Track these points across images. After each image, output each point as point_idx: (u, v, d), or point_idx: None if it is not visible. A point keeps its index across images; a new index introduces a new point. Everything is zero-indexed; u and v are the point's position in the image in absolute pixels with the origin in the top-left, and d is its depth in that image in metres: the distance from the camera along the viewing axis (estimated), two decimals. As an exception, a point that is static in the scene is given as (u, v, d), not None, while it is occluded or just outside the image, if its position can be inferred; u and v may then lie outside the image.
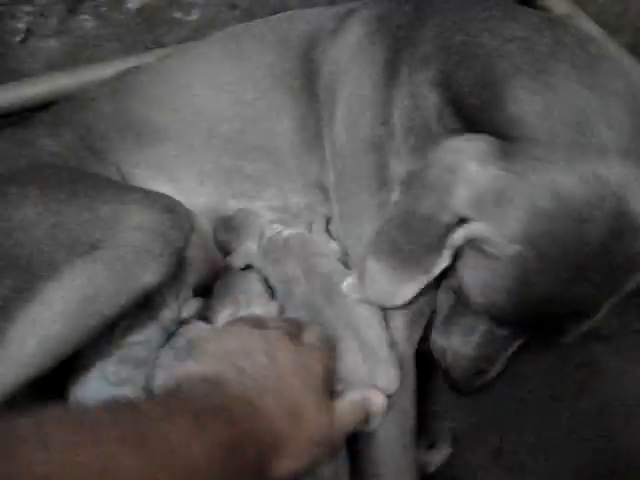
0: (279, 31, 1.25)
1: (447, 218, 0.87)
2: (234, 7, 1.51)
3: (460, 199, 0.85)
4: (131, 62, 1.38)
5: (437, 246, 0.90)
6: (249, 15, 1.52)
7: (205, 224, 1.22)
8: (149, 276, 0.97)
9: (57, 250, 0.95)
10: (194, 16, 1.49)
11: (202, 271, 1.17)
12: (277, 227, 1.18)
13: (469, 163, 0.85)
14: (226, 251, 1.22)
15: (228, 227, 1.20)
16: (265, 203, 1.22)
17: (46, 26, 1.40)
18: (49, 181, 1.03)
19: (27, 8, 1.36)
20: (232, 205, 1.22)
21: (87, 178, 1.08)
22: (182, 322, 1.09)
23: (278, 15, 1.31)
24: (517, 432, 1.17)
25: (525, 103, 0.87)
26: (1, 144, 1.15)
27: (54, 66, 1.43)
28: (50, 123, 1.20)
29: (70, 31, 1.42)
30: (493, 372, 1.03)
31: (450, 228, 0.88)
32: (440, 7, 1.09)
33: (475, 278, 0.91)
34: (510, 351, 1.01)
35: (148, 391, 1.01)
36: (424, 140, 1.04)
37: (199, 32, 1.49)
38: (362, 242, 1.04)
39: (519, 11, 1.03)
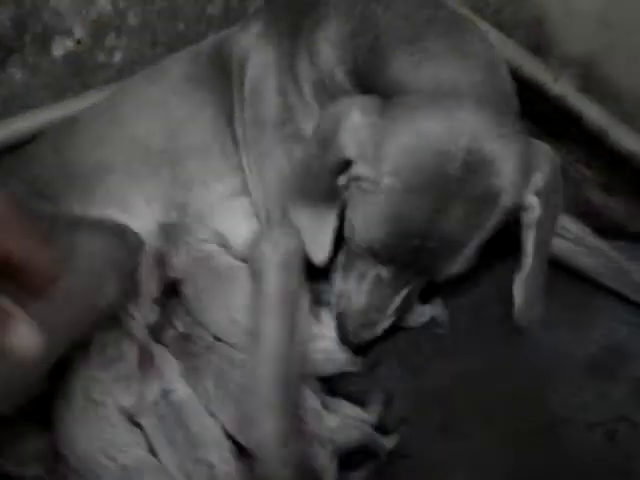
0: (192, 49, 1.38)
1: (335, 161, 1.04)
2: (155, 45, 1.60)
3: (344, 144, 1.02)
4: (60, 109, 1.48)
5: (332, 191, 1.08)
6: (170, 51, 1.59)
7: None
8: (105, 300, 1.08)
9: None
10: (117, 57, 1.58)
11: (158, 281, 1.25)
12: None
13: (353, 114, 1.01)
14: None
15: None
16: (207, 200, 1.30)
17: (-23, 81, 1.47)
18: None
19: (-43, 68, 1.44)
20: (173, 217, 1.30)
21: (40, 218, 1.15)
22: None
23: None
24: (459, 406, 1.26)
25: (402, 66, 1.06)
26: None
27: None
28: None
29: (1, 84, 1.49)
30: (380, 327, 1.16)
31: (338, 171, 1.05)
32: None
33: (358, 215, 1.05)
34: (397, 301, 1.13)
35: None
36: (318, 94, 1.21)
37: (124, 72, 1.58)
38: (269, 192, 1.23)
39: None
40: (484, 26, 1.60)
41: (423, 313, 1.30)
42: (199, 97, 1.30)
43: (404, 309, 1.18)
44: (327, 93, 1.19)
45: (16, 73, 1.49)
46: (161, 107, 1.30)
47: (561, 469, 1.19)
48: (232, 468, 1.07)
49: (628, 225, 1.50)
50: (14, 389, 0.97)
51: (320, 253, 1.16)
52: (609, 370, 1.29)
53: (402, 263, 1.06)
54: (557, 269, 1.39)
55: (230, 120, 1.28)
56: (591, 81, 1.50)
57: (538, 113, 1.57)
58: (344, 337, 1.16)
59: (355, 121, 1.02)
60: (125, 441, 1.08)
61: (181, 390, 1.15)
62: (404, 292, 1.12)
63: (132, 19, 1.54)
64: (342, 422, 1.12)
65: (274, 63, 1.25)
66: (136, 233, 1.16)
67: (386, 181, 0.98)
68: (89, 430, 1.08)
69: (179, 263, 1.25)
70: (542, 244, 1.14)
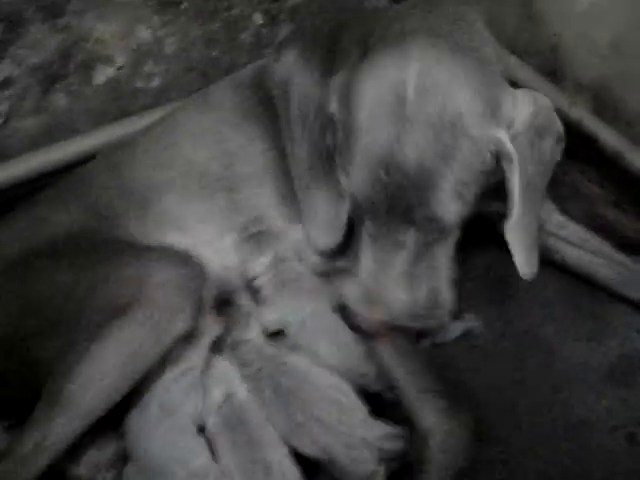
0: (235, 79, 1.45)
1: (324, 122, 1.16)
2: (190, 70, 1.68)
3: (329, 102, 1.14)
4: (101, 135, 1.57)
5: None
6: (204, 77, 1.69)
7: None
8: (178, 327, 1.17)
9: (95, 313, 1.13)
10: (155, 83, 1.66)
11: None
12: None
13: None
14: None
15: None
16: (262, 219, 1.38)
17: (24, 107, 1.55)
18: (74, 252, 1.21)
19: (6, 92, 1.51)
20: (228, 240, 1.37)
21: (105, 245, 1.25)
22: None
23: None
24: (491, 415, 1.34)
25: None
26: (18, 224, 1.32)
27: (34, 144, 1.58)
28: (57, 200, 1.35)
29: (46, 110, 1.57)
30: (388, 304, 1.13)
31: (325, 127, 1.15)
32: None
33: (347, 165, 1.10)
34: (395, 267, 1.11)
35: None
36: None
37: (161, 97, 1.66)
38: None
39: None
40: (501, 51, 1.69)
41: (455, 329, 1.38)
42: (249, 130, 1.37)
43: (417, 287, 1.14)
44: None
45: (60, 100, 1.57)
46: (215, 137, 1.38)
47: (586, 470, 1.27)
48: (288, 470, 1.15)
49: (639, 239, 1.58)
50: None
51: (332, 236, 1.23)
52: (627, 377, 1.38)
53: (381, 207, 1.06)
54: (576, 280, 1.50)
55: (282, 152, 1.35)
56: (603, 105, 1.58)
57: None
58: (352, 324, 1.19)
59: (335, 82, 1.14)
60: (194, 449, 1.16)
61: (242, 394, 1.23)
62: (402, 255, 1.10)
63: (169, 47, 1.63)
64: (389, 430, 1.20)
65: (313, 102, 1.30)
66: (199, 262, 1.25)
67: (351, 117, 1.06)
68: (162, 438, 1.16)
69: (265, 281, 1.36)
70: (530, 190, 1.13)
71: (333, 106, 1.14)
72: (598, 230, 1.52)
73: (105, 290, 1.15)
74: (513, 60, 1.67)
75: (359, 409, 1.21)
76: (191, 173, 1.37)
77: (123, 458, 1.19)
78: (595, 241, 1.48)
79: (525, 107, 1.09)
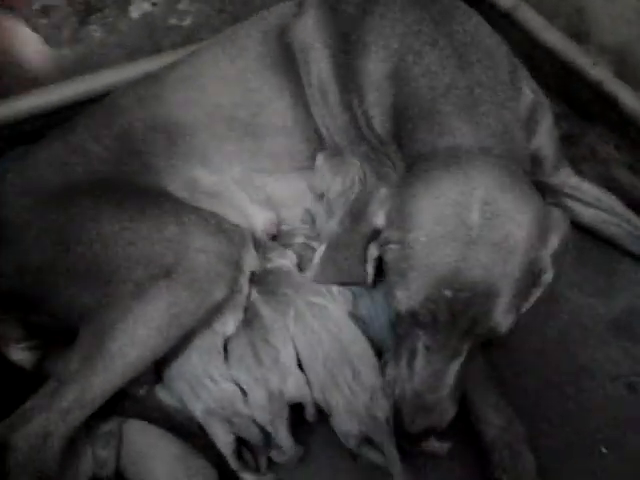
0: (259, 27, 1.47)
1: (366, 231, 1.18)
2: (222, 12, 1.71)
3: (373, 214, 1.17)
4: (133, 68, 1.60)
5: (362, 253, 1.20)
6: (234, 18, 1.71)
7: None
8: (220, 292, 1.23)
9: (135, 268, 1.18)
10: (187, 22, 1.69)
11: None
12: None
13: (380, 190, 1.18)
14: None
15: None
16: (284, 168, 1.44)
17: (60, 36, 1.58)
18: (113, 197, 1.25)
19: (43, 21, 1.55)
20: (255, 179, 1.43)
21: (147, 195, 1.29)
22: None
23: (258, 14, 1.52)
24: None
25: (423, 137, 1.21)
26: (56, 151, 1.35)
27: (68, 73, 1.62)
28: (91, 128, 1.39)
29: (81, 41, 1.60)
30: (440, 413, 1.13)
31: (369, 240, 1.18)
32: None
33: (394, 279, 1.12)
34: (451, 376, 1.11)
35: None
36: None
37: (192, 36, 1.70)
38: None
39: None
40: (529, 13, 1.72)
41: None
42: (276, 82, 1.41)
43: (460, 388, 1.15)
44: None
45: (95, 31, 1.61)
46: (242, 85, 1.42)
47: (585, 415, 1.32)
48: (292, 367, 1.24)
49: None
50: None
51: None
52: (631, 330, 1.43)
53: (444, 322, 1.07)
54: (589, 236, 1.55)
55: (307, 112, 1.41)
56: (625, 68, 1.60)
57: (574, 96, 1.70)
58: (401, 428, 1.16)
59: (382, 195, 1.17)
60: (224, 370, 1.23)
61: (267, 318, 1.28)
62: (456, 364, 1.11)
63: (205, -14, 1.66)
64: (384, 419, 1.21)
65: (333, 70, 1.38)
66: (237, 226, 1.31)
67: (410, 236, 1.08)
68: (202, 356, 1.23)
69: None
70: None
71: (380, 220, 1.16)
72: (611, 192, 1.55)
73: (147, 249, 1.19)
74: (540, 21, 1.71)
75: (370, 387, 1.23)
76: (218, 116, 1.41)
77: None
78: (609, 200, 1.53)
79: (560, 227, 1.14)
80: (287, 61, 1.42)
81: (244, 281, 1.30)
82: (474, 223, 1.04)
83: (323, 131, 1.42)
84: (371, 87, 1.31)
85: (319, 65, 1.39)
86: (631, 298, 1.48)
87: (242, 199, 1.42)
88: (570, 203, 1.54)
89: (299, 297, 1.30)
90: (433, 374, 1.11)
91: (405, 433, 1.15)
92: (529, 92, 1.35)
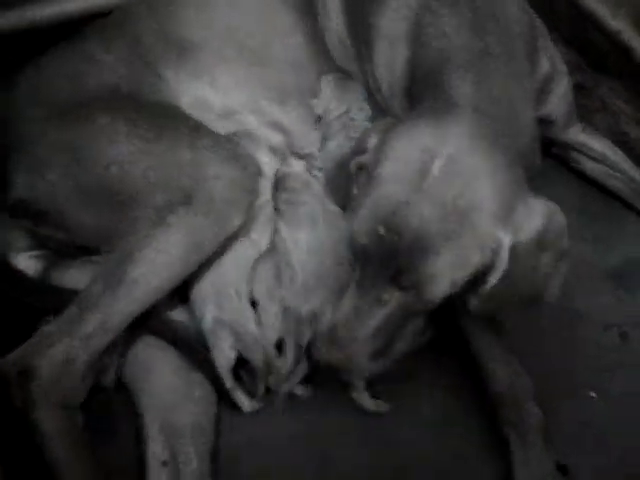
0: None
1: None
2: None
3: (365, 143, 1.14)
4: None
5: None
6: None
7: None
8: (237, 219, 1.24)
9: (153, 193, 1.19)
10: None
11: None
12: None
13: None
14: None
15: None
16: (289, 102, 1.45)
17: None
18: (132, 116, 1.24)
19: None
20: (265, 104, 1.43)
21: (161, 116, 1.28)
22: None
23: None
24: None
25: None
26: (68, 61, 1.34)
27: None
28: (102, 37, 1.37)
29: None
30: (350, 354, 1.10)
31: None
32: None
33: (354, 206, 1.10)
34: (371, 323, 1.08)
35: None
36: None
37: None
38: None
39: None
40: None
41: None
42: (290, 18, 1.42)
43: (382, 346, 1.12)
44: None
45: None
46: (256, 15, 1.42)
47: (578, 360, 1.35)
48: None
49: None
50: None
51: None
52: (628, 280, 1.46)
53: (373, 260, 1.05)
54: (592, 188, 1.57)
55: (319, 53, 1.43)
56: (643, 22, 1.61)
57: (590, 48, 1.70)
58: (314, 356, 1.14)
59: (382, 123, 1.17)
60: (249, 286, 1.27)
61: (288, 240, 1.31)
62: (379, 314, 1.08)
63: None
64: None
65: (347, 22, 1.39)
66: (249, 154, 1.31)
67: (377, 167, 1.06)
68: (236, 266, 1.27)
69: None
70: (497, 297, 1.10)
71: (371, 142, 1.13)
72: (619, 145, 1.58)
73: (164, 173, 1.20)
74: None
75: None
76: (228, 40, 1.41)
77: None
78: (615, 156, 1.55)
79: (536, 219, 1.06)
80: (305, 3, 1.42)
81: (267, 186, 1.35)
82: (431, 173, 1.01)
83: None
84: (382, 45, 1.31)
85: (337, 15, 1.40)
86: (629, 249, 1.50)
87: (251, 122, 1.43)
88: (576, 156, 1.57)
89: (317, 203, 1.34)
90: (353, 311, 1.09)
91: (317, 361, 1.14)
92: (546, 64, 1.34)
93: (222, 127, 1.37)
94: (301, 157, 1.43)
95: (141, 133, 1.22)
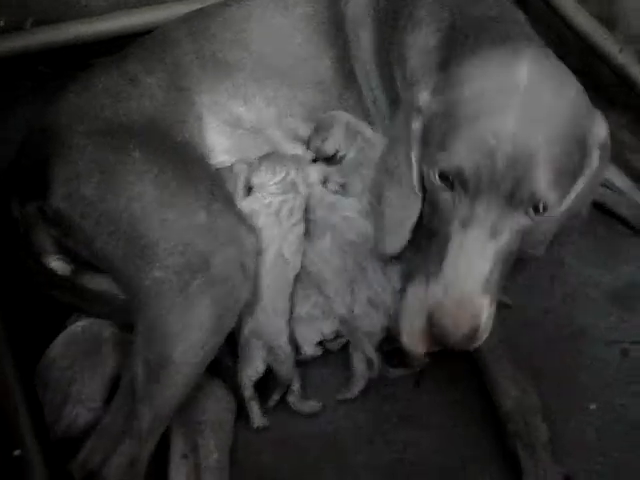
0: None
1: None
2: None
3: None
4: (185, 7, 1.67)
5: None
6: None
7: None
8: (248, 289, 1.24)
9: (172, 254, 1.18)
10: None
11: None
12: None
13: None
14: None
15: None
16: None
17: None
18: (161, 161, 1.27)
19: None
20: (294, 122, 1.53)
21: (188, 164, 1.32)
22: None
23: None
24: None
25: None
26: (110, 79, 1.41)
27: (119, 5, 1.70)
28: (144, 58, 1.46)
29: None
30: (473, 312, 1.10)
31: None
32: None
33: (438, 138, 1.14)
34: (487, 261, 1.09)
35: None
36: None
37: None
38: None
39: None
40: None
41: None
42: (319, 43, 1.51)
43: (497, 285, 1.12)
44: None
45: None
46: (287, 39, 1.51)
47: (580, 373, 1.41)
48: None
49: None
50: None
51: (397, 243, 1.27)
52: (631, 302, 1.52)
53: (486, 180, 1.06)
54: (598, 212, 1.63)
55: (347, 78, 1.52)
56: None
57: (597, 78, 1.78)
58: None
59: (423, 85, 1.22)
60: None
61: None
62: (494, 246, 1.09)
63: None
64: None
65: (377, 45, 1.48)
66: (253, 232, 1.30)
67: (455, 95, 1.11)
68: (274, 283, 1.33)
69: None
70: (588, 194, 1.21)
71: (423, 97, 1.18)
72: (624, 172, 1.66)
73: (181, 233, 1.20)
74: (572, 4, 1.78)
75: (397, 288, 1.34)
76: (260, 61, 1.50)
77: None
78: (622, 183, 1.62)
79: (603, 124, 1.16)
80: (334, 28, 1.52)
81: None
82: (521, 81, 1.07)
83: (367, 101, 1.52)
84: (417, 56, 1.39)
85: (367, 40, 1.49)
86: (632, 272, 1.56)
87: (277, 136, 1.52)
88: None
89: (335, 215, 1.40)
90: (466, 258, 1.08)
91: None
92: None
93: (252, 141, 1.48)
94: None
95: (166, 181, 1.24)
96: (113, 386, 1.24)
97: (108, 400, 1.22)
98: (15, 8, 1.66)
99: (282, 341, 1.29)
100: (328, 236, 1.38)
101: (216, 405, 1.27)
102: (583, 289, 1.53)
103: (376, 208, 1.32)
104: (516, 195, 1.07)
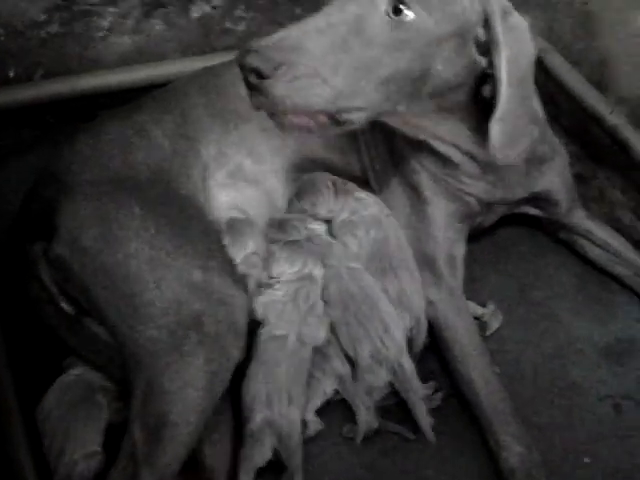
0: None
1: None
2: (274, 22, 1.84)
3: None
4: (187, 63, 1.73)
5: None
6: (284, 30, 1.84)
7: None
8: (240, 348, 1.23)
9: (167, 313, 1.18)
10: (241, 27, 1.82)
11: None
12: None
13: None
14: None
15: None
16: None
17: (124, 26, 1.71)
18: (161, 221, 1.28)
19: (111, 9, 1.67)
20: (299, 171, 1.56)
21: (188, 223, 1.33)
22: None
23: None
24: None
25: None
26: (120, 129, 1.44)
27: (125, 60, 1.75)
28: (154, 110, 1.50)
29: (142, 32, 1.73)
30: None
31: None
32: None
33: None
34: None
35: None
36: None
37: (244, 41, 1.81)
38: None
39: None
40: (557, 58, 1.86)
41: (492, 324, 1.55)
42: None
43: None
44: None
45: (157, 25, 1.74)
46: None
47: (573, 427, 1.42)
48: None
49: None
50: None
51: None
52: (622, 357, 1.53)
53: None
54: (589, 268, 1.67)
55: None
56: (640, 119, 1.75)
57: (588, 139, 1.84)
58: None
59: None
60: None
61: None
62: None
63: (262, -4, 1.80)
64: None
65: None
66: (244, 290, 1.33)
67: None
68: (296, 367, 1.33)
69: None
70: (518, 80, 1.22)
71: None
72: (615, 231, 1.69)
73: (175, 292, 1.20)
74: (565, 66, 1.85)
75: (399, 345, 1.35)
76: None
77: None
78: (617, 243, 1.64)
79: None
80: None
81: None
82: None
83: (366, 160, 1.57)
84: None
85: None
86: (624, 328, 1.58)
87: (277, 190, 1.55)
88: (581, 241, 1.67)
89: (342, 265, 1.43)
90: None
91: None
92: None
93: (249, 192, 1.50)
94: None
95: (163, 240, 1.25)
96: (108, 430, 1.26)
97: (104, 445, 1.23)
98: (25, 60, 1.72)
99: (295, 432, 1.27)
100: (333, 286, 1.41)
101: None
102: (575, 343, 1.54)
103: None
104: None
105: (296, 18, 1.84)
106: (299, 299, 1.39)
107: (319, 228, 1.50)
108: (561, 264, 1.69)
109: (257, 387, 1.29)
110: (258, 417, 1.26)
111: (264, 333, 1.35)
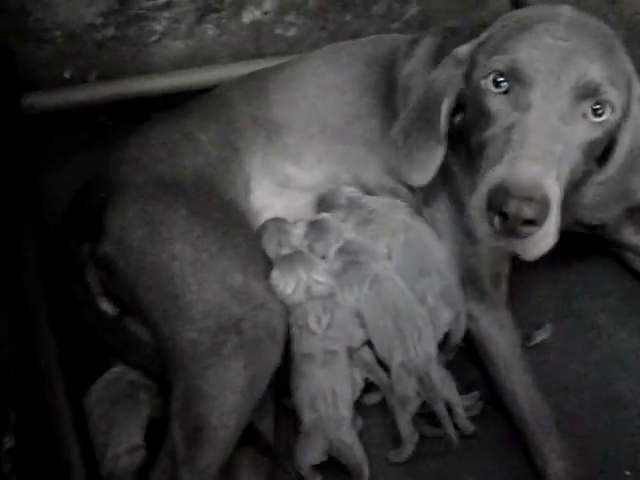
0: (367, 50, 1.61)
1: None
2: (323, 29, 1.86)
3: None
4: (237, 67, 1.75)
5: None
6: (334, 36, 1.87)
7: None
8: (277, 351, 1.26)
9: (208, 316, 1.20)
10: (291, 33, 1.84)
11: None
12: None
13: None
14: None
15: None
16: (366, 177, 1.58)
17: (177, 30, 1.74)
18: (207, 224, 1.30)
19: (165, 14, 1.70)
20: (345, 178, 1.57)
21: (231, 227, 1.34)
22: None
23: (365, 38, 1.67)
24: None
25: None
26: (168, 134, 1.47)
27: (179, 64, 1.79)
28: (201, 116, 1.53)
29: (195, 36, 1.76)
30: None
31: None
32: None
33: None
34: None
35: None
36: None
37: (293, 46, 1.85)
38: None
39: None
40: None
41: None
42: (370, 102, 1.54)
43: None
44: None
45: (209, 30, 1.77)
46: (339, 96, 1.55)
47: (615, 439, 1.40)
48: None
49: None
50: None
51: (422, 180, 1.35)
52: (669, 370, 1.52)
53: (543, 73, 1.10)
54: (636, 281, 1.65)
55: None
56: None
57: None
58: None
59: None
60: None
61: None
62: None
63: (312, 4, 1.82)
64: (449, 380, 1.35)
65: None
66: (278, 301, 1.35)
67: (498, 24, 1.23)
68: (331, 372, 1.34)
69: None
70: (630, 152, 1.22)
71: (463, 49, 1.27)
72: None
73: (216, 295, 1.23)
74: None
75: (429, 354, 1.35)
76: (313, 119, 1.55)
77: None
78: None
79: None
80: (386, 90, 1.54)
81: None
82: (560, 27, 1.14)
83: None
84: None
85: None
86: (670, 342, 1.57)
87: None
88: (631, 256, 1.65)
89: (377, 263, 1.44)
90: (535, 134, 1.09)
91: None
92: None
93: (303, 198, 1.54)
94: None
95: (206, 243, 1.27)
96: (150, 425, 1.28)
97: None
98: (80, 62, 1.76)
99: (342, 432, 1.27)
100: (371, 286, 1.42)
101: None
102: (620, 356, 1.53)
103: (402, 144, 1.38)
104: (574, 86, 1.10)
105: (345, 24, 1.89)
106: (311, 323, 1.37)
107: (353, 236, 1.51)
108: (608, 276, 1.68)
109: (300, 395, 1.31)
110: (307, 419, 1.29)
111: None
